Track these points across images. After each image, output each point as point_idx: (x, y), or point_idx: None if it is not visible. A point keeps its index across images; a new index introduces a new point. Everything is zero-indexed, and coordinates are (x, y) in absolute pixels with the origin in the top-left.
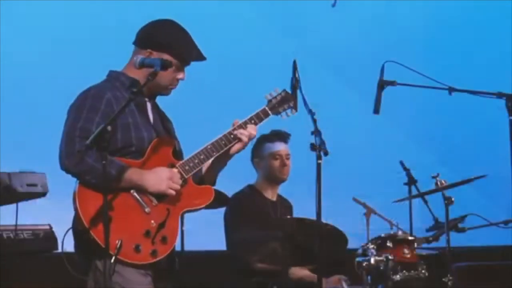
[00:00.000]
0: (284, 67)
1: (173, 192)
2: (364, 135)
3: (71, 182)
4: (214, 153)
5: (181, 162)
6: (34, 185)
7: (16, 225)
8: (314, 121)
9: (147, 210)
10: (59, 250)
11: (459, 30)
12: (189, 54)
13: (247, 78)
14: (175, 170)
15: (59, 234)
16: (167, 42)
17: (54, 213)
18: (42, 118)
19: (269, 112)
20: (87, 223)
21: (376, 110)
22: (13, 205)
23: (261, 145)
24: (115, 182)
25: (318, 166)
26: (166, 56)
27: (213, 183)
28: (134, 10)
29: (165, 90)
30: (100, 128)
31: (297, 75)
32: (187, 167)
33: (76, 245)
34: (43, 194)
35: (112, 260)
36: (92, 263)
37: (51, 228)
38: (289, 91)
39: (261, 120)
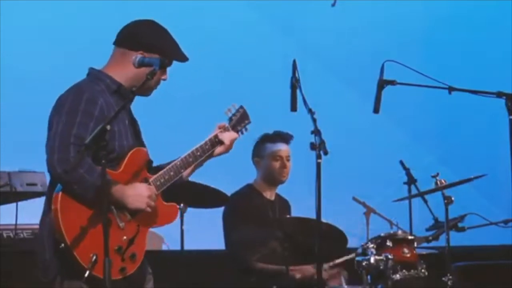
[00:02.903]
0: (284, 67)
1: (150, 210)
2: (364, 135)
3: None
4: (183, 170)
5: (153, 177)
6: (34, 184)
7: (16, 224)
8: (314, 120)
9: (121, 225)
10: None
11: (459, 30)
12: (176, 55)
13: (247, 78)
14: (152, 187)
15: None
16: (157, 44)
17: None
18: (42, 118)
19: (231, 130)
20: (67, 235)
21: (376, 110)
22: (13, 205)
23: (262, 144)
24: (97, 195)
25: (318, 165)
26: (157, 57)
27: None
28: (135, 11)
29: (149, 92)
30: (99, 128)
31: (297, 75)
32: (158, 183)
33: (52, 253)
34: (43, 194)
35: (86, 275)
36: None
37: None
38: (245, 108)
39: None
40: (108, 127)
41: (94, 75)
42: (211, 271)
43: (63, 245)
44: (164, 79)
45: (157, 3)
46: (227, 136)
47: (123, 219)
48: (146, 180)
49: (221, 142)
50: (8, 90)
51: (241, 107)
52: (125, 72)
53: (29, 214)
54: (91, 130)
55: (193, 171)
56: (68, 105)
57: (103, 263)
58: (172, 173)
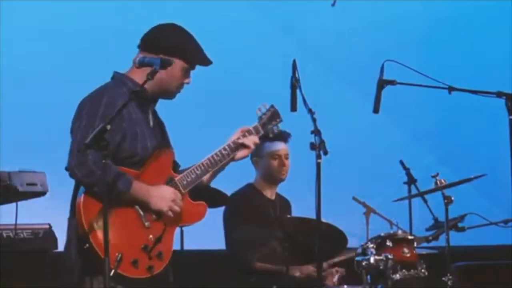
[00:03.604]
0: (284, 67)
1: (171, 214)
2: (364, 135)
3: (71, 182)
4: (210, 169)
5: (179, 176)
6: (34, 184)
7: (15, 224)
8: (314, 120)
9: (147, 224)
10: (59, 249)
11: (459, 30)
12: (198, 59)
13: (247, 78)
14: (177, 192)
15: (58, 234)
16: (179, 48)
17: (53, 212)
18: (43, 118)
19: (261, 130)
20: (90, 234)
21: (376, 110)
22: (13, 204)
23: (260, 144)
24: (122, 196)
25: (318, 165)
26: (179, 62)
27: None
28: (135, 11)
29: (172, 95)
30: (99, 127)
31: (297, 75)
32: (184, 182)
33: (76, 253)
34: (42, 194)
35: (112, 274)
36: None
37: (50, 227)
38: (275, 107)
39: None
40: (109, 126)
41: (118, 79)
42: (211, 271)
43: (87, 245)
44: (187, 83)
45: (157, 3)
46: (251, 140)
47: (149, 218)
48: (171, 179)
49: (243, 146)
50: (8, 90)
51: (272, 106)
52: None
53: (29, 214)
54: (109, 133)
55: (213, 176)
56: (87, 109)
57: (128, 262)
58: (198, 172)
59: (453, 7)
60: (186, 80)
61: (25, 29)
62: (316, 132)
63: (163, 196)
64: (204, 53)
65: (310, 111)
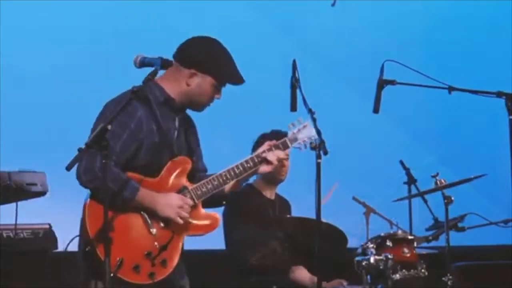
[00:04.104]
0: (284, 67)
1: (181, 221)
2: (364, 135)
3: (71, 182)
4: (229, 181)
5: (194, 186)
6: (34, 184)
7: (15, 224)
8: (314, 120)
9: (153, 231)
10: (59, 249)
11: (459, 30)
12: (232, 78)
13: (247, 78)
14: (187, 198)
15: (58, 234)
16: (214, 66)
17: (53, 212)
18: (43, 118)
19: (290, 144)
20: (93, 239)
21: (376, 109)
22: (13, 204)
23: (260, 144)
24: (128, 203)
25: (318, 165)
26: (210, 79)
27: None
28: (135, 11)
29: (200, 108)
30: (99, 128)
31: (296, 75)
32: (199, 192)
33: (80, 256)
34: (43, 193)
35: (111, 275)
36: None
37: (50, 227)
38: (309, 124)
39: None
40: (109, 127)
41: (146, 85)
42: (211, 271)
43: (89, 247)
44: (218, 98)
45: (157, 3)
46: (275, 155)
47: (155, 226)
48: (184, 189)
49: (267, 161)
50: (8, 90)
51: (307, 122)
52: (177, 87)
53: (29, 214)
54: (123, 142)
55: (236, 186)
56: (106, 113)
57: (129, 267)
58: (216, 183)
59: (453, 7)
60: (217, 96)
61: (25, 29)
62: (316, 132)
63: (169, 203)
64: (237, 71)
65: (310, 111)
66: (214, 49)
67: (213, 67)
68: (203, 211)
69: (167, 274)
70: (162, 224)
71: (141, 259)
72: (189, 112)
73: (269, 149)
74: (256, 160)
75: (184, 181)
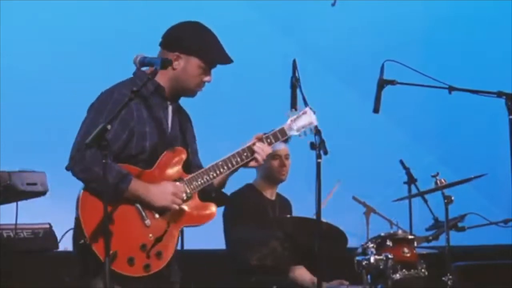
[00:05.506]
0: (284, 67)
1: (176, 207)
2: (364, 135)
3: (71, 181)
4: (224, 171)
5: (189, 176)
6: (34, 184)
7: (16, 224)
8: None
9: (147, 223)
10: (59, 249)
11: (459, 30)
12: (217, 58)
13: (247, 78)
14: (180, 184)
15: (59, 233)
16: (196, 46)
17: (54, 212)
18: (43, 118)
19: (287, 132)
20: (87, 231)
21: (376, 109)
22: (13, 204)
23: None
24: (122, 194)
25: (318, 165)
26: (194, 60)
27: (223, 186)
28: (135, 11)
29: (191, 93)
30: (99, 127)
31: (297, 75)
32: (194, 183)
33: (74, 249)
34: (43, 193)
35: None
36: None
37: (50, 227)
38: (308, 110)
39: (277, 139)
40: (109, 126)
41: (137, 76)
42: (211, 271)
43: (83, 240)
44: (208, 81)
45: (157, 3)
46: (262, 149)
47: (150, 217)
48: (180, 179)
49: (253, 154)
50: (8, 90)
51: (306, 109)
52: (165, 73)
53: (29, 214)
54: (115, 131)
55: (225, 180)
56: (97, 104)
57: (123, 260)
58: (212, 174)
59: (453, 7)
60: (206, 78)
61: (25, 29)
62: (316, 132)
63: (162, 192)
64: (223, 51)
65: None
66: (197, 30)
67: (196, 47)
68: (199, 201)
69: (162, 266)
70: (156, 215)
71: (135, 251)
72: (189, 112)
73: (257, 141)
74: (249, 151)
75: (180, 171)
